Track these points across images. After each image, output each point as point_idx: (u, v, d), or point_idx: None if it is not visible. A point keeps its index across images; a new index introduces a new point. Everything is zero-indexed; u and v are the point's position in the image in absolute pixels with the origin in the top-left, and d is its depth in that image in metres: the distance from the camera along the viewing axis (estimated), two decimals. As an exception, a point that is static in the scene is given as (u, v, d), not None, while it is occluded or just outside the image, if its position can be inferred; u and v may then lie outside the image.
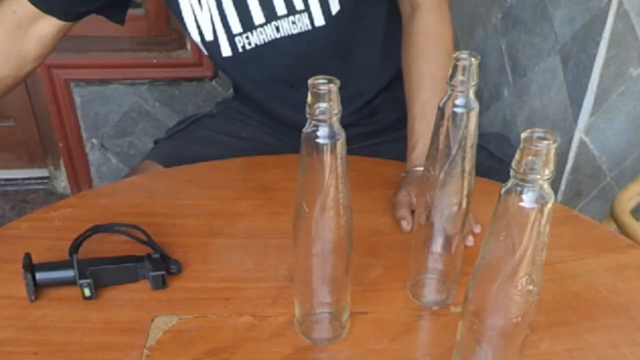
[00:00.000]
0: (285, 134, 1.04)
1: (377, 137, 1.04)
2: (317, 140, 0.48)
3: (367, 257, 0.72)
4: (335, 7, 0.88)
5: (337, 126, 0.49)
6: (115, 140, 1.89)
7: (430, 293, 0.66)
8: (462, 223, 0.61)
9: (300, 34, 0.90)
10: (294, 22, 0.89)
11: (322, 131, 0.48)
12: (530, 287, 0.45)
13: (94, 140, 1.89)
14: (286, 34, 0.90)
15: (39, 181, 1.99)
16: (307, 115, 0.48)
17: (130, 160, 1.93)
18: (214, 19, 0.90)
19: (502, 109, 1.55)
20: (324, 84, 0.47)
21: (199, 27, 0.91)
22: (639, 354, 0.60)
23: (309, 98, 0.47)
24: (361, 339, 0.61)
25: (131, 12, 0.98)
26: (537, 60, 1.36)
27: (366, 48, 0.96)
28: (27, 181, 1.98)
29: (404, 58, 0.90)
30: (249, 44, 0.91)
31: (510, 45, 1.48)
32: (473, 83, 0.54)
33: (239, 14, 0.89)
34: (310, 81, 0.47)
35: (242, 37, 0.91)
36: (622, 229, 1.03)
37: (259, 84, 0.99)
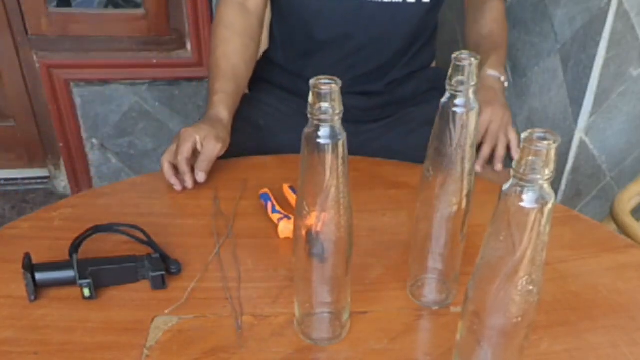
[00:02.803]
0: (299, 108, 1.05)
1: (393, 111, 1.08)
2: (319, 140, 0.48)
3: (367, 257, 0.72)
4: None
5: (339, 126, 0.49)
6: (115, 140, 1.89)
7: (430, 293, 0.66)
8: (462, 223, 0.61)
9: (389, 4, 0.94)
10: None
11: (324, 131, 0.48)
12: (530, 287, 0.45)
13: (94, 140, 1.89)
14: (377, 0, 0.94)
15: (39, 181, 1.99)
16: (309, 115, 0.48)
17: (130, 160, 1.93)
18: None
19: (502, 109, 1.55)
20: (326, 84, 0.47)
21: None
22: (639, 354, 0.60)
23: (311, 97, 0.47)
24: (361, 338, 0.61)
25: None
26: (537, 60, 1.36)
27: (422, 34, 1.04)
28: (27, 181, 1.98)
29: (475, 28, 1.07)
30: None
31: (510, 45, 1.48)
32: (473, 83, 0.54)
33: None
34: (312, 81, 0.47)
35: None
36: (622, 229, 1.03)
37: (320, 41, 1.01)
